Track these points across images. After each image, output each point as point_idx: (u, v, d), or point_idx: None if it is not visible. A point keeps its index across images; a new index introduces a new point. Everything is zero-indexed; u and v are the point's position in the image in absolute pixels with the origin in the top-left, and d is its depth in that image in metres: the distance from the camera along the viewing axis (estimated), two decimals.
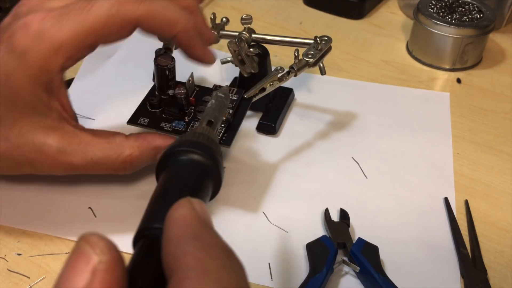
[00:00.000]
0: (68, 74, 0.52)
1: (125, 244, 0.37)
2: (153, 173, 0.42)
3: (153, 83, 0.42)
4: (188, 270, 0.17)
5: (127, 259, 0.36)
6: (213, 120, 0.29)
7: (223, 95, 0.32)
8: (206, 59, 0.37)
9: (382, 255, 0.35)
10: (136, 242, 0.21)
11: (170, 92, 0.40)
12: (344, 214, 0.38)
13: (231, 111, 0.39)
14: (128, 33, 0.34)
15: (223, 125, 0.39)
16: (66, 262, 0.17)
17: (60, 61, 0.32)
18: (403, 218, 0.39)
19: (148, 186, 0.41)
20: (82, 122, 0.46)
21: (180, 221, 0.19)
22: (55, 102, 0.34)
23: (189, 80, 0.41)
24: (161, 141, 0.36)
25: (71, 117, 0.36)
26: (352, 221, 0.38)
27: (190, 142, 0.25)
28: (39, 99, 0.33)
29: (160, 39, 0.38)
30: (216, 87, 0.42)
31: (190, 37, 0.35)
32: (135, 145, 0.35)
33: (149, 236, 0.21)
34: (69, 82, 0.51)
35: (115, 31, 0.33)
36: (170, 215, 0.19)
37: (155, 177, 0.26)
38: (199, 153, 0.24)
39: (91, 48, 0.34)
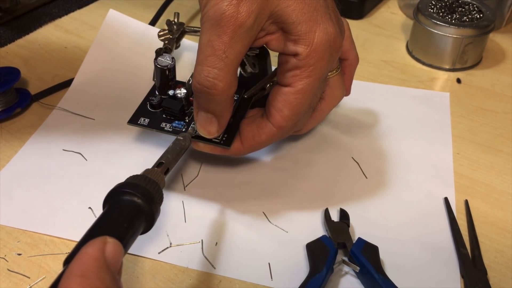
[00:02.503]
0: (68, 74, 0.53)
1: None
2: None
3: (153, 83, 0.42)
4: None
5: (129, 260, 0.36)
6: (164, 162, 0.31)
7: (181, 138, 0.34)
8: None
9: (382, 255, 0.35)
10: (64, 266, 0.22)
11: (171, 92, 0.40)
12: (344, 214, 0.38)
13: None
14: None
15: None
16: None
17: None
18: (403, 218, 0.39)
19: None
20: (82, 122, 0.47)
21: (83, 256, 0.21)
22: None
23: (190, 80, 0.41)
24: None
25: None
26: (352, 221, 0.38)
27: (129, 184, 0.27)
28: None
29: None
30: None
31: None
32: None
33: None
34: (69, 82, 0.51)
35: None
36: (81, 250, 0.21)
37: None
38: (140, 198, 0.26)
39: None
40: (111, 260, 0.21)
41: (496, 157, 0.44)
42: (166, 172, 0.31)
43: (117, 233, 0.24)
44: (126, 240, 0.24)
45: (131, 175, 0.28)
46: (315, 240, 0.35)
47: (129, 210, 0.26)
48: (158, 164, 0.31)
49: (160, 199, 0.28)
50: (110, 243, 0.22)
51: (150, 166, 0.42)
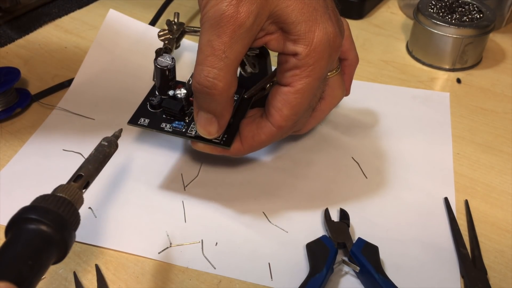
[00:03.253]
0: (68, 74, 0.53)
1: (125, 244, 0.37)
2: (155, 174, 0.42)
3: (153, 83, 0.42)
4: None
5: (127, 258, 0.36)
6: (82, 174, 0.26)
7: (106, 143, 0.29)
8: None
9: (382, 255, 0.35)
10: None
11: (171, 92, 0.40)
12: (344, 214, 0.38)
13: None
14: None
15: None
16: None
17: None
18: (403, 218, 0.39)
19: (148, 187, 0.41)
20: (82, 122, 0.47)
21: None
22: None
23: (190, 80, 0.41)
24: None
25: None
26: (352, 221, 0.38)
27: (35, 209, 0.23)
28: None
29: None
30: None
31: None
32: None
33: None
34: (69, 82, 0.51)
35: None
36: None
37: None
38: (43, 222, 0.22)
39: None
40: None
41: (496, 157, 0.44)
42: (85, 186, 0.27)
43: (18, 274, 0.20)
44: (30, 280, 0.21)
45: (40, 195, 0.24)
46: (315, 240, 0.35)
47: (35, 242, 0.22)
48: (76, 177, 0.26)
49: (75, 223, 0.24)
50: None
51: (149, 166, 0.42)
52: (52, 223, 0.22)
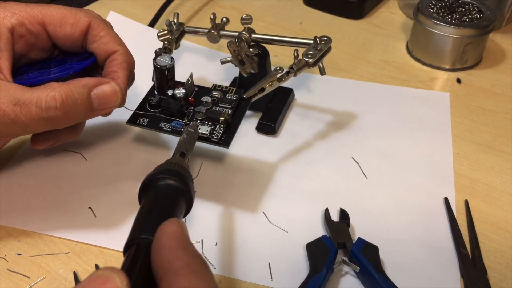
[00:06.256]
0: None
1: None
2: None
3: (152, 83, 0.42)
4: (181, 269, 0.22)
5: None
6: (185, 152, 0.33)
7: (193, 130, 0.36)
8: (116, 99, 0.36)
9: (382, 255, 0.35)
10: (127, 249, 0.24)
11: (170, 92, 0.40)
12: (344, 214, 0.38)
13: (230, 111, 0.39)
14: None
15: (222, 125, 0.39)
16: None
17: (12, 21, 0.36)
18: (403, 218, 0.39)
19: None
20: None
21: (171, 233, 0.23)
22: None
23: (188, 80, 0.41)
24: (89, 79, 0.35)
25: (6, 80, 0.35)
26: (352, 221, 0.38)
27: (167, 171, 0.29)
28: None
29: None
30: (216, 87, 0.42)
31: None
32: (63, 84, 0.34)
33: (139, 244, 0.24)
34: None
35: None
36: (162, 229, 0.24)
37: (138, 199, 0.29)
38: (175, 180, 0.28)
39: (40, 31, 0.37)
40: (188, 235, 0.24)
41: (496, 157, 0.44)
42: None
43: (172, 212, 0.27)
44: (179, 217, 0.27)
45: (165, 162, 0.30)
46: (315, 240, 0.35)
47: (174, 193, 0.28)
48: (180, 153, 0.32)
49: (191, 178, 0.30)
50: (181, 222, 0.24)
51: (149, 166, 0.42)
52: (177, 177, 0.28)
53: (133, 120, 0.40)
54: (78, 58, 0.39)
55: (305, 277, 0.33)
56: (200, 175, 0.42)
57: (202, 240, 0.37)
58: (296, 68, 0.40)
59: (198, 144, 0.40)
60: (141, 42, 0.55)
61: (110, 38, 0.38)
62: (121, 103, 0.37)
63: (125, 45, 0.39)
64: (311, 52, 0.40)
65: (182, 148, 0.33)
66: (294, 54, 0.40)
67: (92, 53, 0.39)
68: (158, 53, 0.42)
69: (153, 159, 0.43)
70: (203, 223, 0.38)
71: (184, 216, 0.29)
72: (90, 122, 0.46)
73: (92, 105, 0.35)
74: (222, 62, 0.44)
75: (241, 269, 0.35)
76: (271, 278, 0.34)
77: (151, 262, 0.23)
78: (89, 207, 0.39)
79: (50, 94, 0.33)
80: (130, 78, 0.39)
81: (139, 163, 0.43)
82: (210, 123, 0.39)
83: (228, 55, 0.43)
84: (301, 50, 0.41)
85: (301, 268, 0.35)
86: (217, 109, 0.40)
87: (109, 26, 0.39)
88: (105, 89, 0.35)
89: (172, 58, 0.40)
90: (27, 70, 0.38)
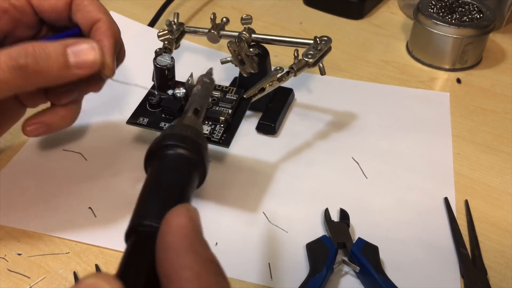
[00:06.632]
0: None
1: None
2: None
3: (152, 83, 0.42)
4: (188, 283, 0.18)
5: None
6: (199, 109, 0.28)
7: (208, 81, 0.31)
8: (109, 62, 0.35)
9: (382, 255, 0.35)
10: (128, 237, 0.21)
11: (170, 91, 0.40)
12: (344, 214, 0.38)
13: (230, 111, 0.39)
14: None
15: (222, 125, 0.39)
16: None
17: None
18: (403, 218, 0.39)
19: None
20: (81, 122, 0.47)
21: (178, 230, 0.20)
22: None
23: (189, 80, 0.41)
24: (66, 40, 0.33)
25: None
26: (352, 221, 0.38)
27: (177, 136, 0.24)
28: None
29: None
30: (216, 87, 0.42)
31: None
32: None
33: (142, 233, 0.21)
34: None
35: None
36: (168, 221, 0.20)
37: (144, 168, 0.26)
38: (187, 148, 0.24)
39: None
40: (200, 228, 0.21)
41: (496, 157, 0.44)
42: (199, 117, 0.28)
43: (186, 196, 0.23)
44: (188, 199, 0.23)
45: (169, 125, 0.26)
46: (315, 240, 0.35)
47: (185, 165, 0.24)
48: (193, 110, 0.28)
49: (206, 145, 0.26)
50: (193, 211, 0.21)
51: None
52: (189, 146, 0.24)
53: (133, 119, 0.40)
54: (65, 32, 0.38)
55: (305, 277, 0.33)
56: None
57: None
58: (296, 68, 0.40)
59: None
60: (141, 42, 0.55)
61: (94, 7, 0.36)
62: (106, 69, 0.35)
63: (108, 14, 0.37)
64: (311, 52, 0.40)
65: (195, 103, 0.28)
66: (294, 54, 0.40)
67: (76, 24, 0.37)
68: (158, 53, 0.42)
69: None
70: (203, 223, 0.38)
71: (197, 188, 0.26)
72: (90, 122, 0.46)
73: (68, 60, 0.32)
74: (222, 62, 0.44)
75: (241, 269, 0.35)
76: (271, 278, 0.34)
77: (156, 262, 0.19)
78: (89, 207, 0.39)
79: (21, 45, 0.31)
80: (116, 47, 0.37)
81: (139, 163, 0.43)
82: (210, 123, 0.39)
83: (228, 55, 0.43)
84: (301, 50, 0.41)
85: (301, 268, 0.35)
86: (217, 109, 0.40)
87: None
88: (82, 46, 0.33)
89: (172, 58, 0.40)
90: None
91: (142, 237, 0.20)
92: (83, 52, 0.33)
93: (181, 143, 0.24)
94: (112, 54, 0.36)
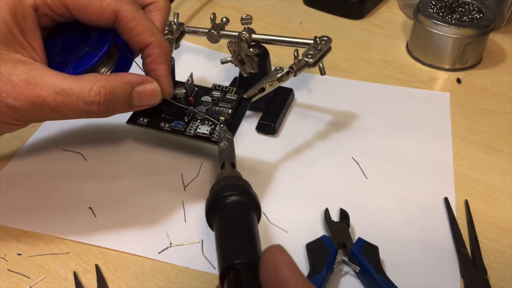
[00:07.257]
0: None
1: (125, 244, 0.37)
2: (155, 174, 0.42)
3: None
4: None
5: (127, 258, 0.36)
6: (235, 163, 0.33)
7: (230, 137, 0.35)
8: (167, 87, 0.37)
9: (382, 255, 0.35)
10: (224, 276, 0.24)
11: None
12: (344, 214, 0.38)
13: (230, 111, 0.39)
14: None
15: (222, 125, 0.39)
16: None
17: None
18: (403, 218, 0.39)
19: (148, 187, 0.41)
20: (82, 122, 0.47)
21: (287, 264, 0.23)
22: (27, 41, 0.34)
23: (189, 80, 0.41)
24: (133, 77, 0.35)
25: (42, 61, 0.35)
26: (352, 221, 0.38)
27: (231, 187, 0.28)
28: (13, 33, 0.33)
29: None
30: (216, 87, 0.42)
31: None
32: (108, 78, 0.34)
33: (239, 269, 0.24)
34: None
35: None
36: (274, 258, 0.24)
37: (206, 221, 0.29)
38: (242, 195, 0.28)
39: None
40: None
41: (496, 157, 0.44)
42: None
43: (256, 232, 0.26)
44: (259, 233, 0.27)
45: (220, 177, 0.30)
46: (315, 240, 0.35)
47: (245, 209, 0.28)
48: (231, 164, 0.33)
49: (251, 189, 0.30)
50: (284, 248, 0.24)
51: (149, 166, 0.42)
52: (242, 192, 0.28)
53: (133, 120, 0.40)
54: (98, 38, 0.36)
55: (305, 277, 0.33)
56: (200, 175, 0.42)
57: (202, 240, 0.37)
58: (296, 68, 0.40)
59: (198, 144, 0.40)
60: None
61: (141, 29, 0.35)
62: (165, 95, 0.37)
63: (158, 34, 0.35)
64: (311, 52, 0.40)
65: (229, 157, 0.33)
66: (294, 54, 0.40)
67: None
68: None
69: (153, 159, 0.43)
70: (203, 223, 0.38)
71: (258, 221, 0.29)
72: (90, 122, 0.46)
73: (132, 101, 0.35)
74: (222, 62, 0.44)
75: None
76: None
77: None
78: (89, 207, 0.39)
79: (95, 89, 0.33)
80: (170, 69, 0.37)
81: (139, 163, 0.43)
82: (210, 123, 0.39)
83: (228, 55, 0.43)
84: (301, 50, 0.41)
85: (301, 268, 0.35)
86: (217, 109, 0.40)
87: (140, 13, 0.35)
88: (148, 88, 0.35)
89: (172, 58, 0.40)
90: (49, 48, 0.36)
91: (238, 272, 0.24)
92: (146, 94, 0.35)
93: (236, 191, 0.28)
94: (169, 82, 0.37)
